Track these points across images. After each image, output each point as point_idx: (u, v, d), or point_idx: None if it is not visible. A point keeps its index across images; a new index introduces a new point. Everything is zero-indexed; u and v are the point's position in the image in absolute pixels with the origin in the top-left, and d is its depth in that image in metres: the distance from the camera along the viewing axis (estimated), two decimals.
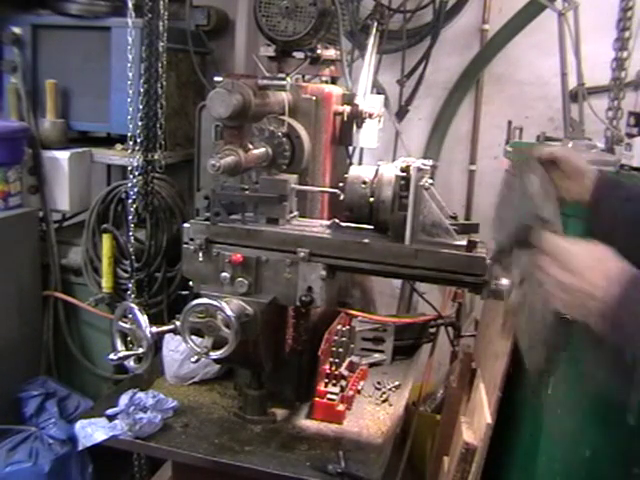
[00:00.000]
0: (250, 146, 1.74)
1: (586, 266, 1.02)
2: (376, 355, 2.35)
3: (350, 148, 2.46)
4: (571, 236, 1.14)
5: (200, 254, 1.83)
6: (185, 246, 1.87)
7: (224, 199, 1.83)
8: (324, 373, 2.00)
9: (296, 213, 1.93)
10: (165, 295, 2.60)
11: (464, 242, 1.70)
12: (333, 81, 2.31)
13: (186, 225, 1.87)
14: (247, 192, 1.84)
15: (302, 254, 1.77)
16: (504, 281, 1.59)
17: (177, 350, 2.10)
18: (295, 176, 1.91)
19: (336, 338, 2.03)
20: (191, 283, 1.91)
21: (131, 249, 2.50)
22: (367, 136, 2.19)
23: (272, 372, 1.95)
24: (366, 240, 1.75)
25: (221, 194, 1.83)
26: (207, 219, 1.85)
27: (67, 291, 2.67)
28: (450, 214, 1.80)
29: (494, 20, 2.87)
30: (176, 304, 2.48)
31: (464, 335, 2.77)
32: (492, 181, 2.82)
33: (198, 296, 1.74)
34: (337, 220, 1.87)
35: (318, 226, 1.88)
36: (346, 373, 2.05)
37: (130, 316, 1.72)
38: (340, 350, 2.03)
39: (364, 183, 1.80)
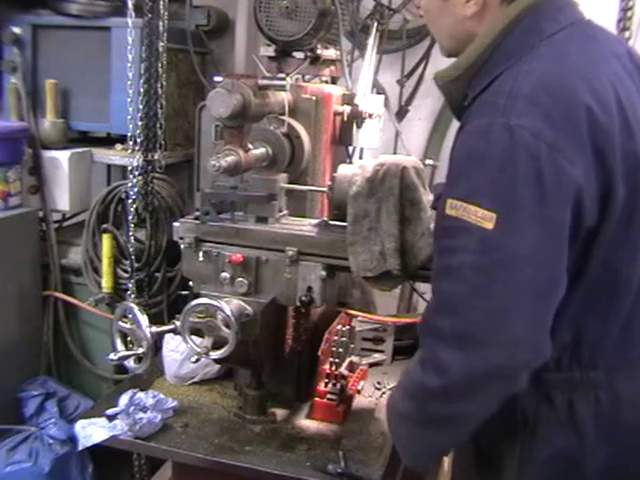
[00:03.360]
0: (250, 146, 1.75)
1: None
2: (376, 355, 2.35)
3: (350, 148, 2.46)
4: None
5: (200, 254, 1.83)
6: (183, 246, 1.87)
7: (213, 198, 1.84)
8: (324, 373, 2.00)
9: (286, 212, 1.93)
10: (165, 295, 2.60)
11: None
12: (333, 81, 2.31)
13: (176, 224, 1.88)
14: (236, 191, 1.84)
15: (290, 253, 1.77)
16: None
17: (177, 350, 2.10)
18: (285, 175, 1.91)
19: (336, 338, 2.03)
20: (191, 283, 1.91)
21: (131, 249, 2.50)
22: (367, 136, 2.19)
23: (272, 372, 1.95)
24: None
25: (210, 193, 1.84)
26: (196, 218, 1.86)
27: (67, 291, 2.67)
28: None
29: None
30: (176, 304, 2.48)
31: None
32: None
33: (198, 296, 1.75)
34: (326, 219, 1.88)
35: (307, 225, 1.88)
36: (346, 373, 2.04)
37: (130, 316, 1.72)
38: (340, 350, 2.03)
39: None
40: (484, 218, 1.06)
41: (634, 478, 1.26)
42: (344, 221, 1.75)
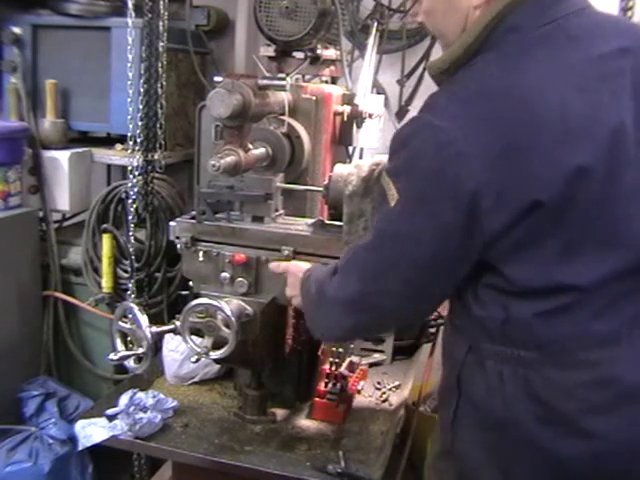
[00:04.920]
0: (250, 146, 1.75)
1: (294, 275, 1.66)
2: (376, 355, 2.35)
3: (350, 148, 2.46)
4: None
5: (200, 254, 1.83)
6: None
7: (209, 197, 1.84)
8: (324, 373, 2.00)
9: (282, 211, 1.93)
10: (165, 295, 2.60)
11: None
12: (333, 81, 2.31)
13: (172, 223, 1.89)
14: (233, 191, 1.84)
15: (286, 252, 1.78)
16: None
17: (177, 350, 2.10)
18: (281, 174, 1.91)
19: None
20: (191, 283, 1.91)
21: (131, 249, 2.50)
22: (367, 136, 2.20)
23: (272, 372, 1.95)
24: None
25: (206, 192, 1.84)
26: (193, 217, 1.86)
27: (67, 291, 2.67)
28: None
29: None
30: (176, 304, 2.48)
31: None
32: None
33: (198, 296, 1.75)
34: (322, 218, 1.88)
35: (303, 224, 1.89)
36: (346, 373, 2.05)
37: (130, 316, 1.72)
38: (340, 350, 2.03)
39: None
40: (393, 195, 1.23)
41: (570, 463, 1.23)
42: (340, 220, 1.75)
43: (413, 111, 2.91)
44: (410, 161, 1.22)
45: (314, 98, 2.01)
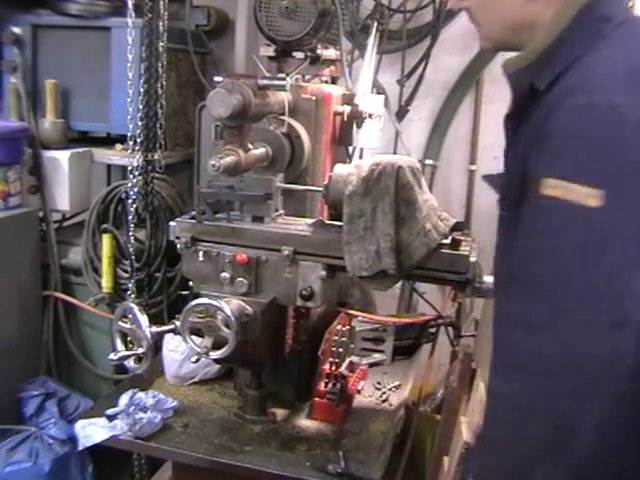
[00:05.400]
0: (250, 146, 1.75)
1: None
2: (376, 355, 2.35)
3: (350, 148, 2.46)
4: None
5: (200, 254, 1.83)
6: None
7: (209, 197, 1.84)
8: (324, 373, 2.00)
9: (282, 211, 1.93)
10: (165, 295, 2.60)
11: (448, 240, 1.72)
12: (333, 81, 2.31)
13: (172, 223, 1.89)
14: (233, 190, 1.84)
15: (286, 252, 1.78)
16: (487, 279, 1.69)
17: (177, 350, 2.10)
18: (281, 174, 1.91)
19: (336, 338, 2.03)
20: (191, 283, 1.91)
21: (131, 249, 2.50)
22: (367, 136, 2.19)
23: (272, 372, 1.95)
24: None
25: (206, 192, 1.84)
26: (193, 217, 1.86)
27: (67, 291, 2.68)
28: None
29: None
30: (176, 304, 2.48)
31: (464, 335, 2.76)
32: None
33: (198, 296, 1.75)
34: (322, 218, 1.88)
35: (303, 224, 1.88)
36: (346, 373, 2.04)
37: (130, 316, 1.72)
38: (340, 350, 2.03)
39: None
40: (589, 195, 1.01)
41: None
42: (340, 220, 1.75)
43: (413, 111, 2.91)
44: (604, 151, 1.04)
45: (314, 98, 2.00)
